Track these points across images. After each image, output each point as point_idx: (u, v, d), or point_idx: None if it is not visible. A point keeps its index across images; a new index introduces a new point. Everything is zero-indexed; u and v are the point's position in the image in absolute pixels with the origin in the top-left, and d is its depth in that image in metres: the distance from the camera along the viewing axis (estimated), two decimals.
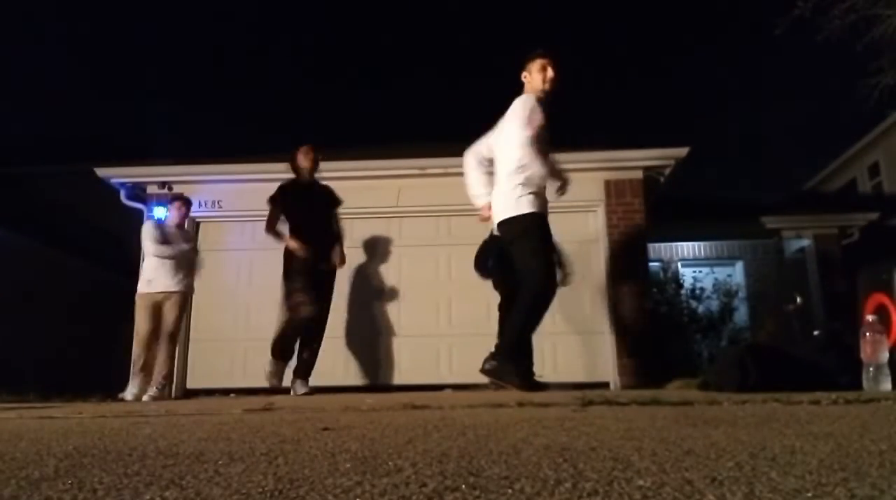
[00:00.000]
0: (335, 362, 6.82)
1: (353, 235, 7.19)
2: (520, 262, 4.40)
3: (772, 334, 8.05)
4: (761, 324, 8.98)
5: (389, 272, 7.09)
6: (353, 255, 7.13)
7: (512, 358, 4.17)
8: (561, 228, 7.12)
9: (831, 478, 0.90)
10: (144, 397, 5.62)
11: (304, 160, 5.86)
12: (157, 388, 5.73)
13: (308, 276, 5.48)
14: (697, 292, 7.83)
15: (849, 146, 15.24)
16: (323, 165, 7.32)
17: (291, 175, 6.73)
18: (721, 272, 9.67)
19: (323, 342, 6.91)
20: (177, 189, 7.20)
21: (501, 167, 4.57)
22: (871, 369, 3.51)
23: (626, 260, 6.82)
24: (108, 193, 7.45)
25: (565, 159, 7.29)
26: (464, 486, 0.89)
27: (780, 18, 7.05)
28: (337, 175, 7.21)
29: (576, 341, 6.76)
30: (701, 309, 7.71)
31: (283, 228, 5.68)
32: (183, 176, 7.30)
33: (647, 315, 6.66)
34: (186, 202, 6.34)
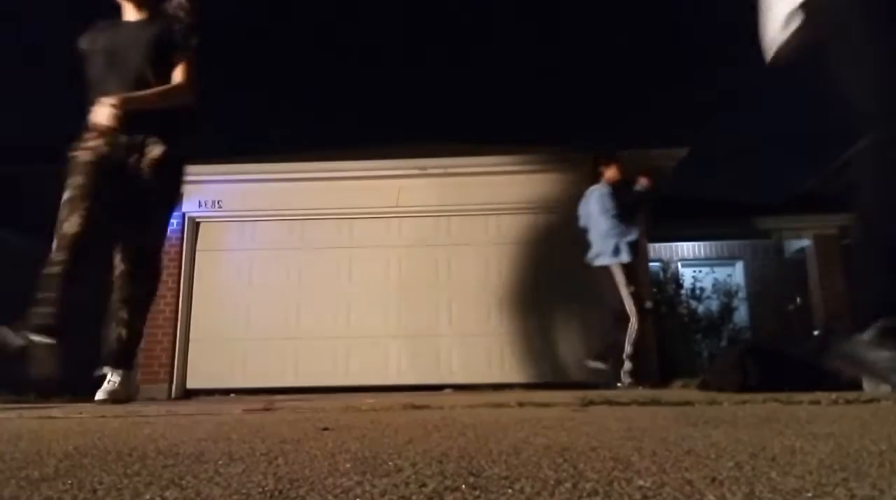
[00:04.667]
0: (335, 362, 6.83)
1: (354, 235, 7.20)
2: None
3: (772, 334, 8.05)
4: (761, 324, 8.97)
5: (389, 272, 7.09)
6: (354, 255, 7.13)
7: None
8: (562, 229, 7.15)
9: (831, 478, 0.90)
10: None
11: None
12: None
13: (97, 176, 3.25)
14: (697, 292, 7.83)
15: (849, 146, 15.24)
16: (324, 165, 7.35)
17: (291, 174, 6.73)
18: (721, 272, 9.66)
19: (322, 343, 6.94)
20: None
21: None
22: None
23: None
24: None
25: (566, 159, 7.31)
26: (464, 486, 0.89)
27: None
28: (338, 175, 7.22)
29: (576, 341, 6.75)
30: (701, 309, 7.71)
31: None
32: None
33: (647, 315, 6.65)
34: None
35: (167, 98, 3.42)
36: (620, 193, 5.32)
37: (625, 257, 5.06)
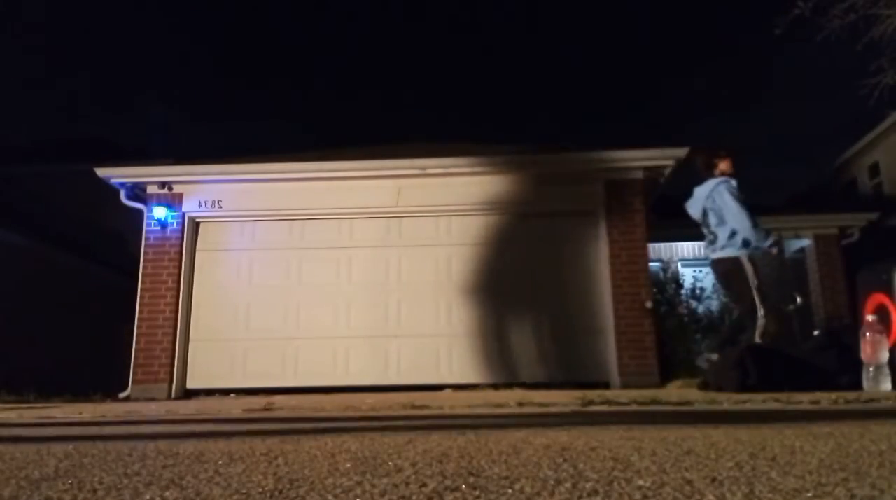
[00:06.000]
0: (335, 361, 6.82)
1: (353, 235, 7.19)
2: None
3: (772, 334, 8.03)
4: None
5: (389, 272, 7.09)
6: (353, 255, 7.13)
7: None
8: (562, 229, 7.15)
9: (831, 478, 0.90)
10: None
11: None
12: None
13: None
14: (697, 292, 7.82)
15: (849, 146, 15.24)
16: (324, 165, 7.35)
17: (291, 174, 6.71)
18: None
19: (322, 343, 6.94)
20: (177, 189, 7.21)
21: None
22: (871, 369, 3.51)
23: (627, 260, 6.82)
24: (108, 193, 7.45)
25: (565, 159, 7.31)
26: (464, 486, 0.89)
27: (780, 18, 7.05)
28: (338, 175, 7.22)
29: (576, 340, 6.76)
30: (701, 309, 7.70)
31: None
32: (183, 176, 7.30)
33: (647, 315, 6.66)
34: None
35: None
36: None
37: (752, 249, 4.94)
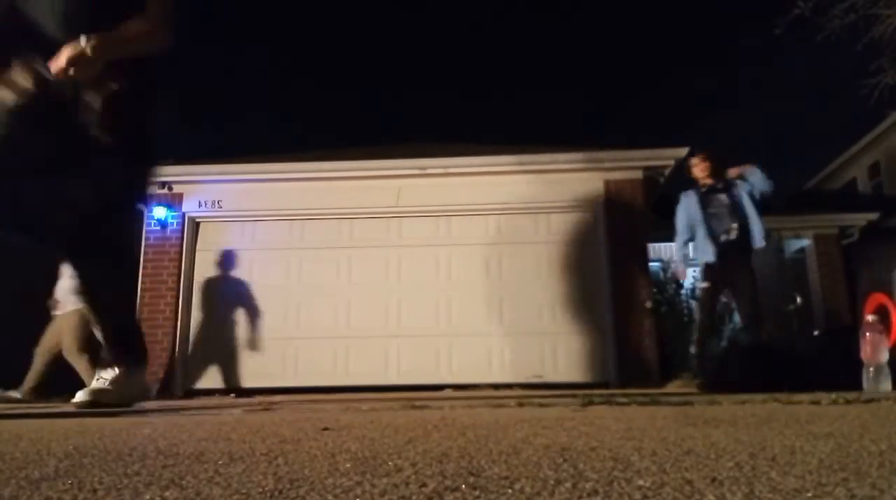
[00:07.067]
0: (335, 361, 6.83)
1: (354, 235, 7.20)
2: None
3: (772, 334, 8.04)
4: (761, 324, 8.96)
5: (389, 272, 7.09)
6: (353, 255, 7.13)
7: None
8: (561, 229, 7.15)
9: (831, 478, 0.90)
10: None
11: None
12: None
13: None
14: (697, 292, 7.83)
15: (849, 146, 15.24)
16: (324, 165, 7.36)
17: (291, 174, 6.72)
18: None
19: (322, 343, 6.94)
20: (177, 189, 7.21)
21: None
22: (871, 369, 3.51)
23: (626, 260, 6.82)
24: None
25: (565, 159, 7.31)
26: (464, 486, 0.89)
27: (780, 18, 7.07)
28: (338, 175, 7.22)
29: (576, 341, 6.76)
30: None
31: None
32: (183, 176, 7.30)
33: (647, 315, 6.66)
34: None
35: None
36: (711, 191, 5.09)
37: (706, 257, 5.06)
